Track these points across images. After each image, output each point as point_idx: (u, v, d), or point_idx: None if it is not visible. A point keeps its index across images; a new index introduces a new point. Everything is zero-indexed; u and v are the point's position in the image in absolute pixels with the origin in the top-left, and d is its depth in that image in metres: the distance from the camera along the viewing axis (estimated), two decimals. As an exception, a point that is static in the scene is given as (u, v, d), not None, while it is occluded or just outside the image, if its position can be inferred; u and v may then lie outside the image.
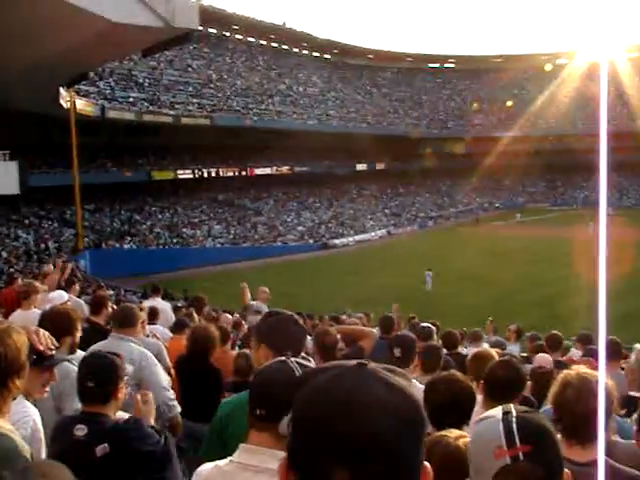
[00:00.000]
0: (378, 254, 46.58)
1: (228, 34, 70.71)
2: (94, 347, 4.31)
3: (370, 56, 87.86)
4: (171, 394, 4.61)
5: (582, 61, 72.36)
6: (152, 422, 3.25)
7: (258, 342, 3.05)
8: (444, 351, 6.15)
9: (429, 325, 7.79)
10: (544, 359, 6.85)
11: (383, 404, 0.94)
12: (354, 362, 1.01)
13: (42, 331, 2.91)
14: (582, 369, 2.61)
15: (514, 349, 9.39)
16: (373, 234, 57.69)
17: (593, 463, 2.30)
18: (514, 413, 1.47)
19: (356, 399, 0.93)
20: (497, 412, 1.51)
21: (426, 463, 1.02)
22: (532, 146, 74.80)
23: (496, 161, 68.94)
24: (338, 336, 5.48)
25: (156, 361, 4.66)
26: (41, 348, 2.79)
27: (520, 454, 1.38)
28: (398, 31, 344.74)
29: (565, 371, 2.66)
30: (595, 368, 4.18)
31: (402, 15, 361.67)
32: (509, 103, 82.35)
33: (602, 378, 2.49)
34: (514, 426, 1.43)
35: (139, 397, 3.33)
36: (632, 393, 4.51)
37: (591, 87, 67.27)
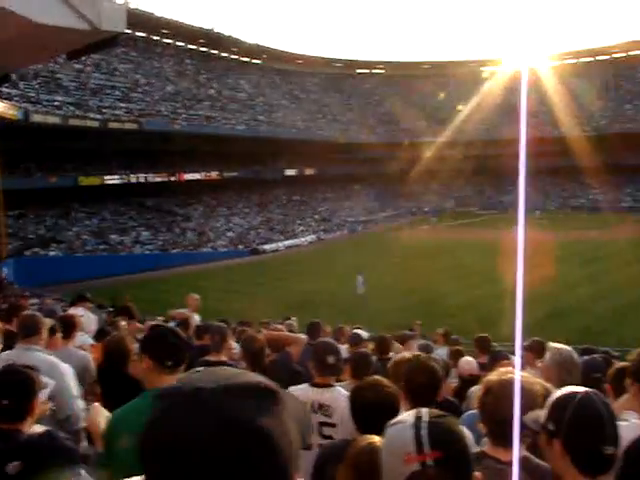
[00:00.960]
0: (308, 259, 46.79)
1: (156, 38, 69.92)
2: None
3: (299, 61, 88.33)
4: (82, 404, 4.49)
5: (508, 68, 74.31)
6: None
7: (141, 353, 3.20)
8: (374, 357, 6.09)
9: (358, 332, 7.95)
10: (468, 362, 7.12)
11: (207, 443, 0.85)
12: (190, 387, 0.92)
13: None
14: (505, 372, 2.67)
15: (441, 352, 9.38)
16: (303, 239, 57.82)
17: (524, 459, 2.46)
18: (425, 418, 1.48)
19: (179, 439, 0.86)
20: (408, 417, 1.52)
21: None
22: (460, 151, 76.15)
23: (425, 166, 69.93)
24: (265, 342, 5.59)
25: (68, 370, 4.53)
26: None
27: (429, 460, 1.40)
28: (327, 37, 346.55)
29: (488, 376, 2.72)
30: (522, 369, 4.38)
31: (331, 21, 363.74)
32: (438, 109, 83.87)
33: (518, 378, 2.66)
34: (424, 432, 1.44)
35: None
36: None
37: (516, 94, 69.06)
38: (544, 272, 23.71)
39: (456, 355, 8.13)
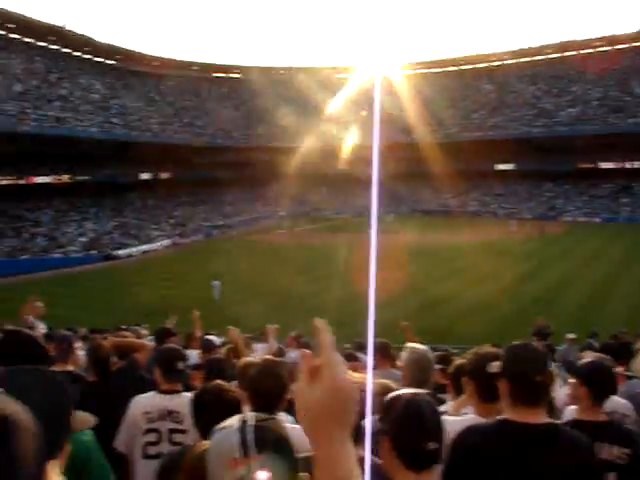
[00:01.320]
0: (164, 264, 46.19)
1: (3, 33, 66.50)
2: None
3: (155, 63, 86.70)
4: None
5: (362, 76, 76.24)
6: None
7: None
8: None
9: (211, 338, 8.14)
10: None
11: None
12: None
13: None
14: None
15: (293, 356, 9.38)
16: (158, 244, 56.91)
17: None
18: (251, 422, 1.49)
19: None
20: (235, 421, 1.51)
21: None
22: (316, 155, 77.17)
23: (281, 170, 70.46)
24: (111, 349, 5.47)
25: None
26: None
27: (254, 464, 1.41)
28: (184, 40, 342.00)
29: None
30: (361, 369, 4.74)
31: (188, 24, 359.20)
32: (295, 114, 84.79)
33: (370, 380, 2.87)
34: (250, 436, 1.45)
35: None
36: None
37: (370, 101, 70.98)
38: (395, 275, 24.75)
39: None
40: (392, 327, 10.30)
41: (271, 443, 1.45)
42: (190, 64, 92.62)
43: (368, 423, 1.35)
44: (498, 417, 2.86)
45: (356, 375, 2.75)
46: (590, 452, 2.77)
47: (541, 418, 2.75)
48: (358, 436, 1.36)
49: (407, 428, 2.30)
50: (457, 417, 3.50)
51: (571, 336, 12.93)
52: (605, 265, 37.08)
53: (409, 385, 4.38)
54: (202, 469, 1.53)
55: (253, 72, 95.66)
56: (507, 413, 2.82)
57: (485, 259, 38.45)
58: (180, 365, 4.41)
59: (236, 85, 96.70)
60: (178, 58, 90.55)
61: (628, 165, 70.51)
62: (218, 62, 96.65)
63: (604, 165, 72.05)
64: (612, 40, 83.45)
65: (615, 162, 71.41)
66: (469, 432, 2.65)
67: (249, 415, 1.55)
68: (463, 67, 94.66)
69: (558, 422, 2.91)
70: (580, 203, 71.02)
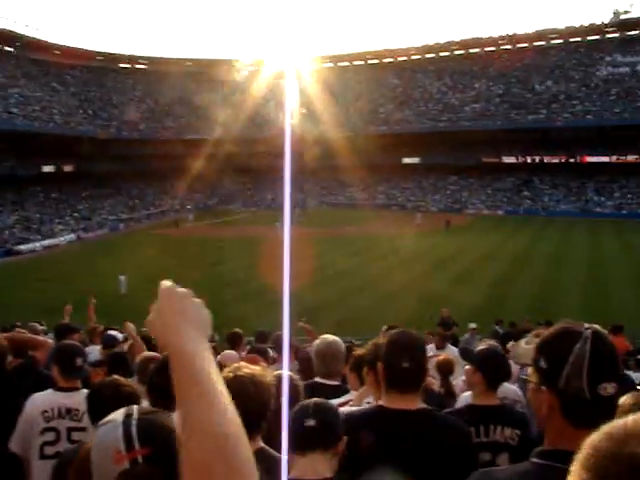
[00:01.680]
0: (68, 259, 45.00)
1: None
2: None
3: (56, 52, 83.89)
4: None
5: (272, 68, 76.07)
6: None
7: None
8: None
9: (112, 333, 8.00)
10: (229, 356, 7.46)
11: None
12: None
13: None
14: (239, 367, 2.70)
15: None
16: (62, 239, 55.24)
17: (254, 453, 2.72)
18: (135, 415, 1.48)
19: None
20: (119, 415, 1.50)
21: None
22: (224, 149, 76.58)
23: (189, 164, 69.60)
24: (7, 347, 5.31)
25: None
26: None
27: (139, 457, 1.40)
28: (89, 29, 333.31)
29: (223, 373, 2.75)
30: (256, 362, 4.72)
31: (94, 12, 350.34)
32: (202, 107, 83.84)
33: (286, 370, 2.86)
34: (134, 429, 1.43)
35: None
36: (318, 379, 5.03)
37: (278, 94, 71.14)
38: (304, 268, 24.85)
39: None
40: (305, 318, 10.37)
41: (155, 436, 1.44)
42: (95, 54, 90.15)
43: (284, 419, 1.45)
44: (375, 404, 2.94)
45: (256, 367, 2.76)
46: (465, 436, 2.87)
47: (414, 404, 2.79)
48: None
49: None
50: (360, 407, 3.52)
51: (472, 326, 13.32)
52: (508, 256, 38.23)
53: (318, 375, 4.42)
54: (89, 465, 1.50)
55: (161, 63, 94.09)
56: (382, 399, 2.88)
57: (391, 252, 39.08)
58: (79, 361, 4.28)
59: (143, 76, 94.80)
60: (83, 47, 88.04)
61: (529, 160, 72.95)
62: (124, 52, 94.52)
63: (507, 159, 74.31)
64: (514, 39, 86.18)
65: (517, 157, 73.77)
66: (346, 419, 2.68)
67: (134, 408, 1.53)
68: (370, 61, 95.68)
69: (432, 408, 2.95)
70: (484, 196, 72.96)
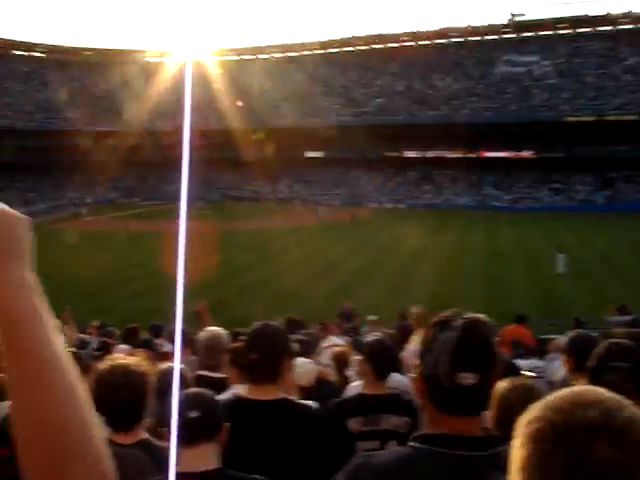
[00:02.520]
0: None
1: None
2: None
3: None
4: None
5: (173, 60, 74.97)
6: None
7: None
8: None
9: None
10: (121, 350, 7.28)
11: None
12: None
13: None
14: (115, 358, 2.75)
15: (94, 344, 9.32)
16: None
17: (137, 444, 2.56)
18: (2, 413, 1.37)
19: None
20: None
21: None
22: (124, 141, 74.95)
23: (90, 156, 67.93)
24: None
25: None
26: None
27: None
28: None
29: (99, 365, 2.76)
30: (150, 358, 4.56)
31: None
32: (102, 98, 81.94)
33: (177, 367, 2.79)
34: None
35: None
36: (201, 372, 4.93)
37: (180, 86, 70.04)
38: (207, 262, 24.55)
39: (106, 346, 8.15)
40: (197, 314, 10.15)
41: (9, 437, 1.29)
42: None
43: (174, 412, 1.35)
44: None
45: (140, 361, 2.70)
46: (322, 423, 2.96)
47: (274, 394, 2.88)
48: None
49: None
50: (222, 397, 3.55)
51: (372, 318, 13.39)
52: (409, 249, 38.82)
53: (201, 368, 4.40)
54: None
55: (60, 52, 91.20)
56: (245, 390, 2.98)
57: (294, 245, 39.12)
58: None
59: (40, 65, 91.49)
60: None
61: (430, 154, 74.50)
62: (21, 39, 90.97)
63: (408, 154, 75.67)
64: (416, 36, 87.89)
65: (418, 151, 75.21)
66: None
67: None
68: (275, 55, 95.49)
69: (290, 397, 3.03)
70: (386, 190, 74.06)
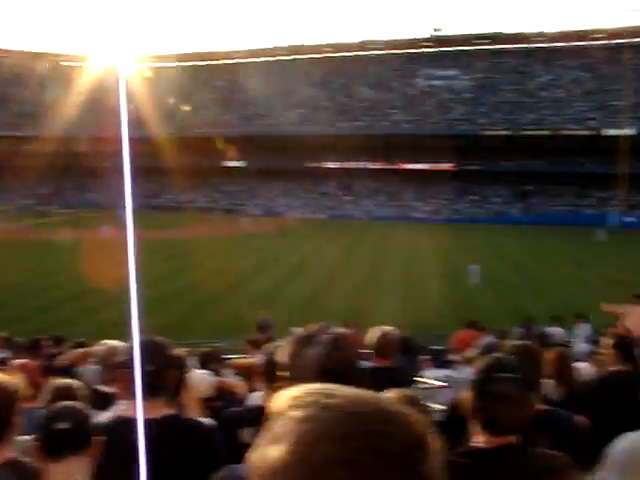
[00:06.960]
0: None
1: None
2: None
3: None
4: None
5: (93, 66, 73.53)
6: None
7: None
8: None
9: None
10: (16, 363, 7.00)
11: None
12: None
13: None
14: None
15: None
16: None
17: (3, 464, 2.37)
18: None
19: None
20: None
21: None
22: (42, 147, 72.90)
23: (3, 161, 65.96)
24: None
25: None
26: None
27: None
28: None
29: None
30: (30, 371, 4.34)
31: None
32: (18, 102, 79.71)
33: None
34: None
35: None
36: (96, 386, 4.71)
37: (100, 92, 68.77)
38: (124, 272, 23.95)
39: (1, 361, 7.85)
40: (119, 324, 9.83)
41: None
42: None
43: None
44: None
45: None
46: (210, 436, 2.89)
47: (159, 411, 2.75)
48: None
49: None
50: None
51: (298, 330, 13.32)
52: (329, 259, 38.91)
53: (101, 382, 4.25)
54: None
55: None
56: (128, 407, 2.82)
57: (213, 255, 38.76)
58: None
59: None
60: None
61: (351, 165, 75.17)
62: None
63: (329, 164, 76.05)
64: (339, 47, 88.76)
65: (338, 162, 75.70)
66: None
67: None
68: (196, 63, 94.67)
69: (177, 413, 2.94)
70: (307, 200, 74.21)
